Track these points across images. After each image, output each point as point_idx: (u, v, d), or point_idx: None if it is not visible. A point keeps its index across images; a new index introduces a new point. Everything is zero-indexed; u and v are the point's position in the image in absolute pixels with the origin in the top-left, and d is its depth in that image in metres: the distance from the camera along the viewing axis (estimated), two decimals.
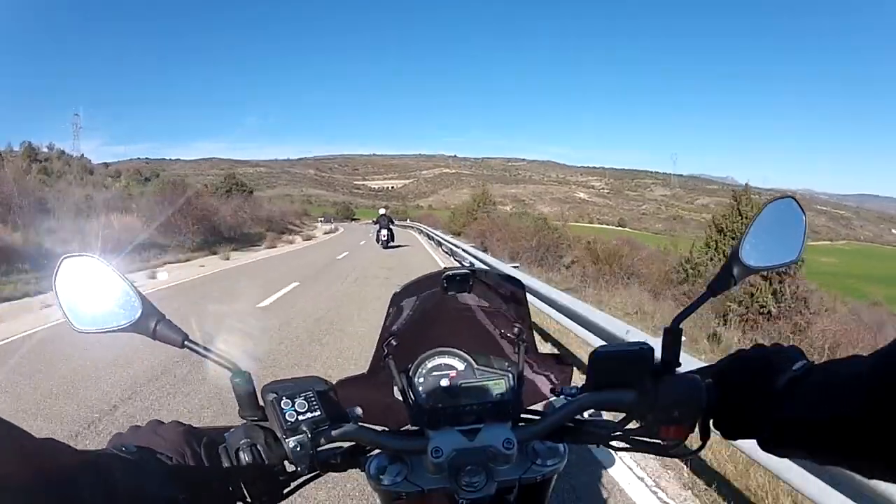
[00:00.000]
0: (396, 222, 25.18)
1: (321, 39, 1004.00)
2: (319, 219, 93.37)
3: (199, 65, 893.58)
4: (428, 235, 30.53)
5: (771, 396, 0.59)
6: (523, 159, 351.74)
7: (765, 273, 1.07)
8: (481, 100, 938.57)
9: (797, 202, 0.73)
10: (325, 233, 46.11)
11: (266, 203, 55.54)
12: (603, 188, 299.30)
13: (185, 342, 0.68)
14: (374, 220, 25.13)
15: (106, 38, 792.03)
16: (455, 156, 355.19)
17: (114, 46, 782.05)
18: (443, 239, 22.78)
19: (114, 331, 0.66)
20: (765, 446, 0.60)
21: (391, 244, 22.72)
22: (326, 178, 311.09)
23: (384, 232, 22.79)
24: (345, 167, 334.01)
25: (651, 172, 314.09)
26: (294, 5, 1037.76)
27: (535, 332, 0.98)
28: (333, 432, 0.70)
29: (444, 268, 0.87)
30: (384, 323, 0.88)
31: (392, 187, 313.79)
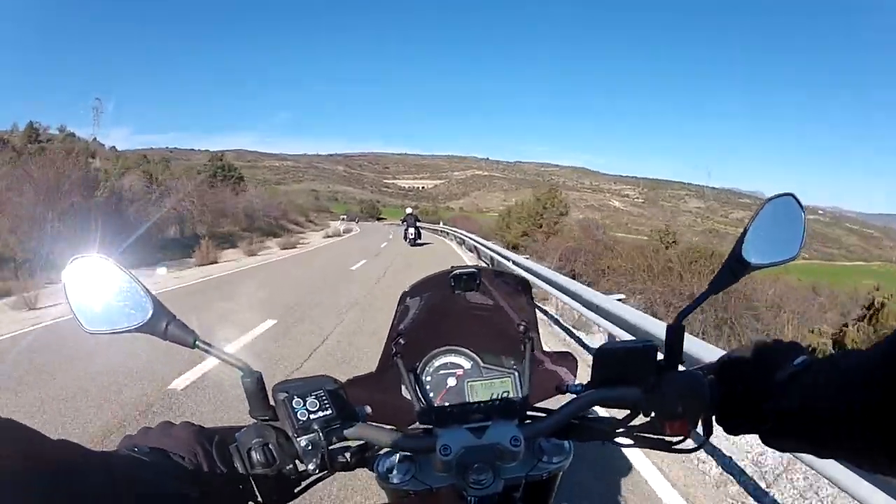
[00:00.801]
0: (428, 225, 25.43)
1: (354, 38, 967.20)
2: (341, 217, 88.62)
3: (236, 59, 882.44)
4: (467, 245, 21.83)
5: (772, 390, 0.59)
6: (556, 165, 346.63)
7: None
8: (514, 104, 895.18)
9: (796, 199, 0.73)
10: (329, 236, 36.52)
11: (269, 196, 48.68)
12: (637, 198, 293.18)
13: (197, 342, 0.68)
14: (402, 219, 26.71)
15: (143, 30, 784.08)
16: (487, 158, 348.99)
17: (150, 40, 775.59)
18: (499, 254, 13.87)
19: (124, 331, 0.66)
20: (766, 439, 0.61)
21: (418, 241, 23.72)
22: (355, 175, 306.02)
23: (411, 230, 23.71)
24: (375, 165, 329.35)
25: (683, 183, 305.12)
26: (331, 3, 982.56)
27: None
28: (344, 431, 0.72)
29: (452, 267, 0.89)
30: (392, 322, 0.90)
31: (422, 187, 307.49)
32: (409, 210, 26.32)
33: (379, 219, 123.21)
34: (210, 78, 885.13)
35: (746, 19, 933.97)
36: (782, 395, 0.58)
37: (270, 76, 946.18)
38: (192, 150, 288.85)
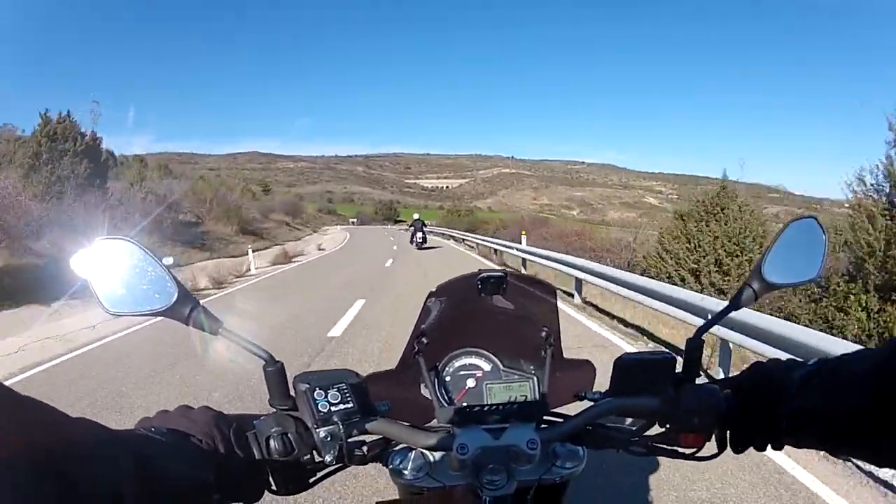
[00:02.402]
0: (456, 234, 27.71)
1: (370, 40, 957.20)
2: (351, 220, 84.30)
3: (251, 63, 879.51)
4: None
5: (786, 393, 0.61)
6: (582, 162, 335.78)
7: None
8: (537, 102, 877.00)
9: (818, 222, 0.75)
10: (289, 259, 21.50)
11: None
12: (671, 194, 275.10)
13: (221, 330, 0.68)
14: (409, 224, 29.45)
15: (154, 32, 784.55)
16: (512, 157, 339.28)
17: (161, 43, 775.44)
18: None
19: (147, 314, 0.66)
20: (783, 444, 0.62)
21: (424, 246, 25.21)
22: (375, 176, 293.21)
23: (419, 234, 25.45)
24: (396, 165, 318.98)
25: (712, 179, 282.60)
26: (347, 4, 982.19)
27: None
28: (364, 425, 0.72)
29: (479, 270, 0.90)
30: (417, 321, 0.92)
31: (446, 187, 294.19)
32: (416, 216, 28.45)
33: (397, 221, 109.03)
34: (231, 86, 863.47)
35: (777, 14, 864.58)
36: (796, 397, 0.59)
37: (291, 83, 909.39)
38: (197, 153, 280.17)
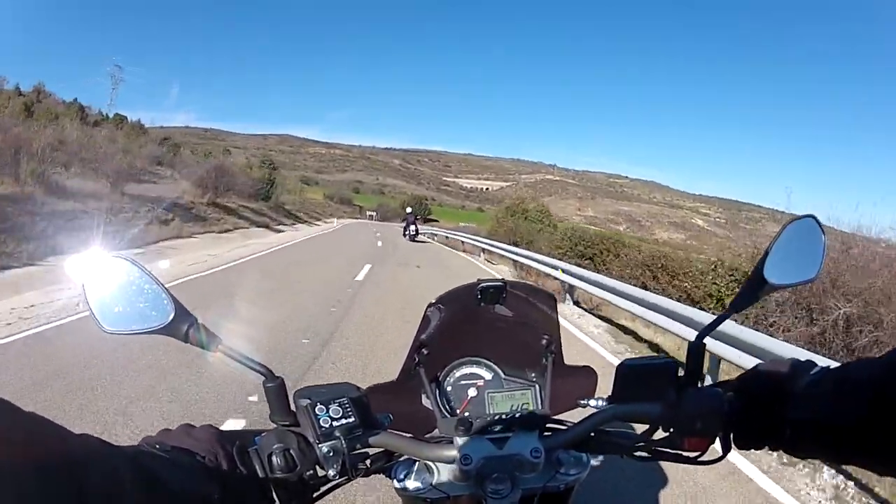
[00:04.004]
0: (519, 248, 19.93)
1: (420, 41, 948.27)
2: (369, 213, 75.07)
3: (294, 50, 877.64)
4: None
5: (789, 401, 0.61)
6: (626, 177, 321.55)
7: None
8: (580, 113, 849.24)
9: (817, 222, 0.75)
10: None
11: None
12: (718, 217, 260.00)
13: (219, 346, 0.68)
14: (402, 218, 32.81)
15: (203, 19, 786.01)
16: (555, 165, 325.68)
17: (210, 27, 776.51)
18: None
19: (144, 333, 0.66)
20: (785, 448, 0.63)
21: (416, 238, 26.49)
22: (412, 171, 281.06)
23: (411, 227, 26.65)
24: (435, 162, 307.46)
25: (753, 205, 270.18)
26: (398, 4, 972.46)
27: None
28: (366, 439, 0.73)
29: (479, 280, 0.92)
30: (417, 332, 0.93)
31: (487, 188, 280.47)
32: (408, 210, 31.69)
33: (428, 219, 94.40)
34: (270, 71, 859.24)
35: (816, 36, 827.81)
36: (799, 406, 0.59)
37: (333, 73, 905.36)
38: (235, 133, 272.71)
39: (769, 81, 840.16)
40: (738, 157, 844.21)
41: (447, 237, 28.56)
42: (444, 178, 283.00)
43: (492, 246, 19.16)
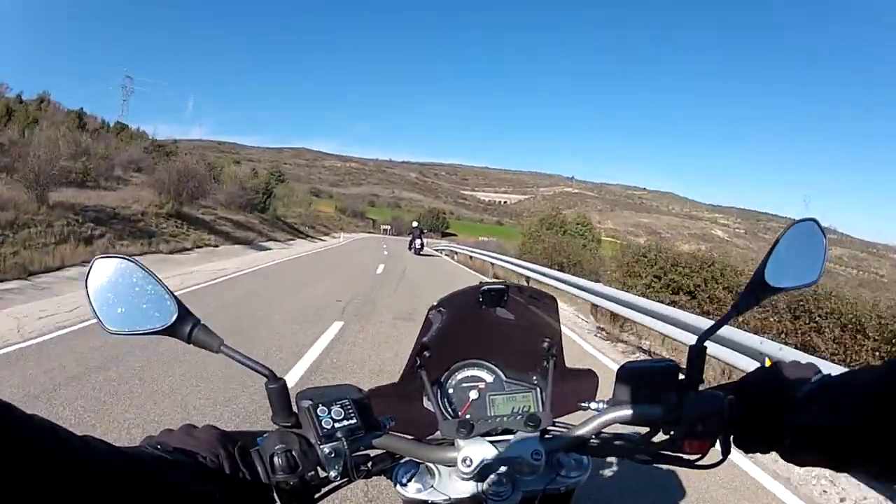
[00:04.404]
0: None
1: (423, 52, 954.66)
2: (384, 227, 71.56)
3: (314, 65, 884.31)
4: None
5: (791, 407, 0.61)
6: (644, 188, 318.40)
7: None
8: (596, 125, 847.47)
9: (818, 225, 0.74)
10: None
11: None
12: (737, 228, 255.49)
13: (222, 347, 0.68)
14: (409, 231, 30.78)
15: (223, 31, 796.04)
16: (573, 177, 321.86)
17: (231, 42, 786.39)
18: None
19: (148, 334, 0.66)
20: (785, 456, 0.62)
21: (421, 252, 25.45)
22: (429, 184, 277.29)
23: (417, 241, 25.89)
24: (452, 175, 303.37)
25: (770, 214, 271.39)
26: (414, 15, 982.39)
27: None
28: (368, 440, 0.73)
29: (481, 282, 0.92)
30: (419, 335, 0.92)
31: (505, 202, 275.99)
32: (414, 224, 29.95)
33: (446, 233, 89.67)
34: (288, 85, 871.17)
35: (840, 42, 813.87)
36: (800, 412, 0.59)
37: (350, 88, 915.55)
38: (250, 146, 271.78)
39: (785, 89, 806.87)
40: (754, 167, 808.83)
41: (470, 256, 22.58)
42: (462, 192, 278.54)
43: (525, 268, 14.70)
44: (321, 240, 37.13)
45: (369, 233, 69.41)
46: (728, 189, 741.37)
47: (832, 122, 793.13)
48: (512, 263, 16.26)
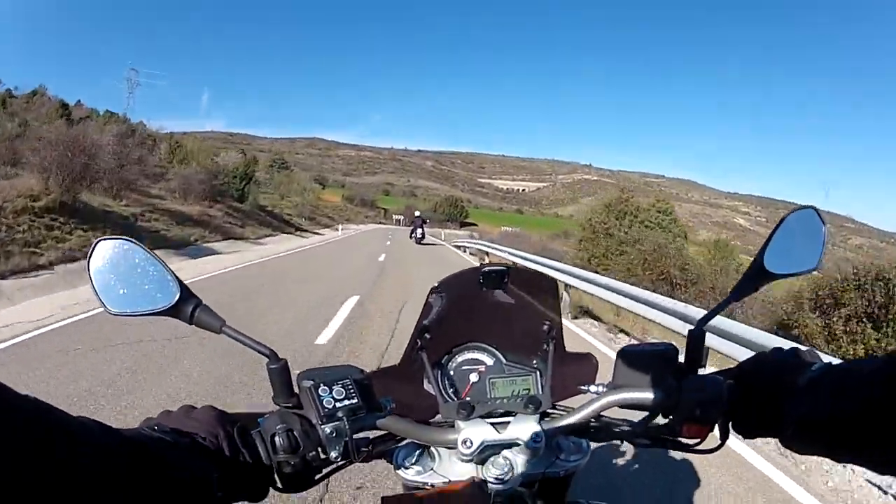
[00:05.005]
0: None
1: (436, 43, 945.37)
2: (396, 218, 65.21)
3: (328, 56, 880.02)
4: None
5: (791, 395, 0.61)
6: (662, 175, 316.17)
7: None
8: (612, 112, 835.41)
9: (818, 213, 0.75)
10: None
11: None
12: (759, 216, 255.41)
13: (223, 328, 0.68)
14: (411, 220, 31.57)
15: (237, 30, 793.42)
16: (590, 164, 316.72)
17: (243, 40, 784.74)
18: None
19: (150, 314, 0.66)
20: (787, 444, 0.62)
21: (422, 241, 26.10)
22: (445, 172, 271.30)
23: (418, 231, 26.39)
24: (469, 164, 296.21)
25: (792, 203, 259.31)
26: (430, 9, 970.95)
27: None
28: (369, 420, 0.73)
29: (482, 264, 0.92)
30: (419, 317, 0.92)
31: (523, 190, 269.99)
32: (417, 213, 30.56)
33: (465, 223, 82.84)
34: (302, 76, 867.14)
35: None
36: (801, 401, 0.59)
37: (365, 79, 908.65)
38: (262, 137, 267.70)
39: (804, 75, 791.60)
40: (774, 155, 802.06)
41: (514, 264, 12.13)
42: (479, 180, 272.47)
43: (610, 289, 7.52)
44: (316, 234, 30.73)
45: (381, 223, 62.77)
46: (747, 176, 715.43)
47: (853, 110, 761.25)
48: (585, 281, 8.47)
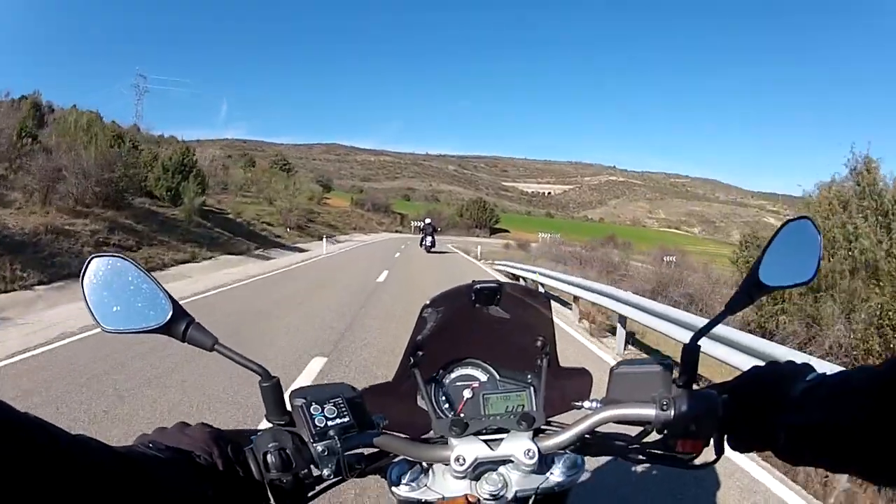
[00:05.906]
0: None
1: (455, 47, 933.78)
2: (415, 224, 55.47)
3: (348, 62, 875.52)
4: None
5: (785, 406, 0.60)
6: (686, 175, 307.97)
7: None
8: (636, 113, 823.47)
9: (813, 223, 0.74)
10: None
11: None
12: (787, 214, 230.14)
13: (216, 346, 0.68)
14: (421, 228, 30.42)
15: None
16: (614, 166, 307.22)
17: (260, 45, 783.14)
18: None
19: (143, 332, 0.66)
20: (781, 455, 0.62)
21: (432, 250, 25.67)
22: (468, 176, 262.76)
23: (428, 239, 25.93)
24: (492, 167, 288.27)
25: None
26: (449, 14, 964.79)
27: None
28: (361, 439, 0.73)
29: (473, 281, 0.92)
30: (412, 333, 0.92)
31: (549, 193, 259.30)
32: (427, 220, 29.28)
33: (495, 230, 73.52)
34: (328, 85, 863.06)
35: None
36: (795, 411, 0.59)
37: (385, 86, 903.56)
38: (277, 143, 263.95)
39: (828, 70, 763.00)
40: (798, 151, 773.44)
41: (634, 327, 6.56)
42: (503, 183, 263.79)
43: None
44: (299, 250, 22.42)
45: (397, 232, 54.38)
46: (772, 174, 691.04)
47: (875, 108, 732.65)
48: None
